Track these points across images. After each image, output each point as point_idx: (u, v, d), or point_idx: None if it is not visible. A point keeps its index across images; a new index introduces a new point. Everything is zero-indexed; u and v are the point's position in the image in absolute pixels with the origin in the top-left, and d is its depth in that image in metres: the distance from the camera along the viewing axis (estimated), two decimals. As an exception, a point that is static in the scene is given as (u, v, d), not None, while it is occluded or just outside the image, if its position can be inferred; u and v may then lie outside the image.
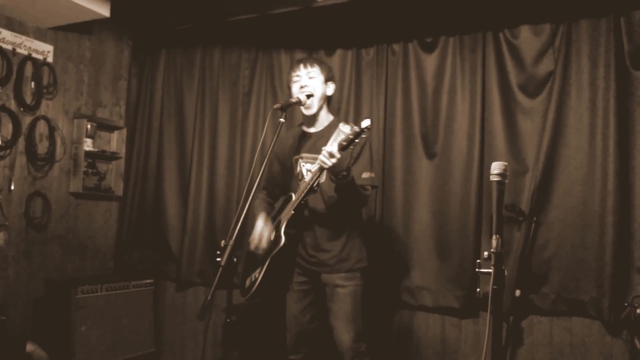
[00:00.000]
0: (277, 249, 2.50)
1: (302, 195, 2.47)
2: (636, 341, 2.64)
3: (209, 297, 2.00)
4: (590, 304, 2.82)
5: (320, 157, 2.28)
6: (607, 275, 2.76)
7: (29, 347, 3.06)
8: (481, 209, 3.11)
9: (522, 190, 3.02)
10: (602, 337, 2.85)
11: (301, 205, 2.52)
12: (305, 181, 2.52)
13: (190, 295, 4.04)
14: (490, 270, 1.76)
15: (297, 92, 2.65)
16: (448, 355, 3.21)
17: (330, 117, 2.73)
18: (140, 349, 3.81)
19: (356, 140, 2.23)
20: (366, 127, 2.19)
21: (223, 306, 3.39)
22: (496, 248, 1.77)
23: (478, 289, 1.94)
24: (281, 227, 2.52)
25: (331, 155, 2.23)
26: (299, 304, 2.69)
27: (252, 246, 2.60)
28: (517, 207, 2.96)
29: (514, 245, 2.99)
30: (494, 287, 1.76)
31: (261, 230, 2.59)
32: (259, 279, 2.55)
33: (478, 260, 1.83)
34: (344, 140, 2.23)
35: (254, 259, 2.69)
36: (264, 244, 2.56)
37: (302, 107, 2.64)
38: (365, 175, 2.52)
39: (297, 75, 2.66)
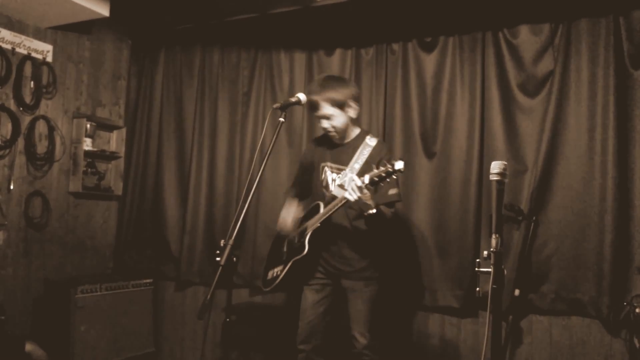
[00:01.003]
0: (299, 256, 2.60)
1: (330, 212, 2.55)
2: (635, 340, 2.64)
3: (209, 296, 2.00)
4: (589, 304, 2.83)
5: (346, 194, 2.37)
6: (607, 274, 2.76)
7: (28, 346, 3.05)
8: (480, 208, 3.11)
9: (522, 190, 3.02)
10: (601, 337, 2.85)
11: (327, 219, 2.59)
12: (331, 194, 2.64)
13: (190, 294, 4.04)
14: (489, 270, 1.77)
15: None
16: (447, 354, 3.21)
17: (357, 130, 2.78)
18: (139, 349, 3.81)
19: (387, 180, 2.31)
20: (399, 170, 2.25)
21: (222, 306, 3.40)
22: (496, 247, 1.77)
23: (477, 289, 1.94)
24: (306, 236, 2.61)
25: (359, 189, 2.32)
26: (316, 296, 2.76)
27: (278, 228, 2.83)
28: (517, 206, 2.96)
29: (513, 244, 2.99)
30: (494, 286, 1.76)
31: (285, 214, 2.81)
32: (281, 276, 2.67)
33: (477, 260, 1.83)
34: (375, 176, 2.30)
35: (278, 251, 2.82)
36: (289, 227, 2.78)
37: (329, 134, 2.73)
38: (392, 192, 2.59)
39: (317, 117, 2.71)
